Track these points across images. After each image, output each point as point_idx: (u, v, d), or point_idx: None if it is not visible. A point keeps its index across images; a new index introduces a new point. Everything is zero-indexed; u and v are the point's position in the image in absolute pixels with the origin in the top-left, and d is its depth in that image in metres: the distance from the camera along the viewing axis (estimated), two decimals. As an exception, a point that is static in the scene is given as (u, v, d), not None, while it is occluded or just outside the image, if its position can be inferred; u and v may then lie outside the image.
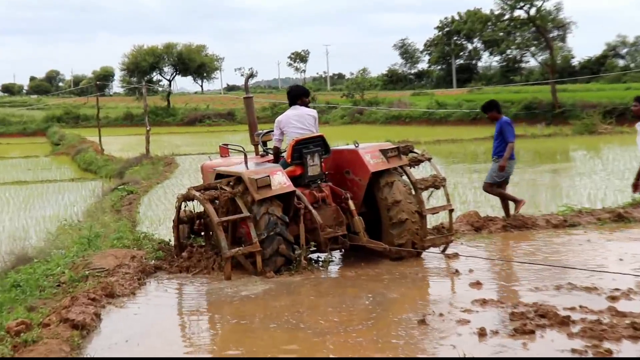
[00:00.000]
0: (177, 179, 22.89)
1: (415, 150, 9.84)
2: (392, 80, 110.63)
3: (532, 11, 43.97)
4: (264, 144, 10.32)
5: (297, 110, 9.52)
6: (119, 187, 20.15)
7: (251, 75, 11.62)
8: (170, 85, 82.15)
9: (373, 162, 9.10)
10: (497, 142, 11.41)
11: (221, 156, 10.79)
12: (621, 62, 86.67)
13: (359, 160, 9.15)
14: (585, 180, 17.36)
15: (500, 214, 12.03)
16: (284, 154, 9.40)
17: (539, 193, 15.47)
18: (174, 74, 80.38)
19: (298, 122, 9.38)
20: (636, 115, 10.05)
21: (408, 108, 51.98)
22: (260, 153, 10.38)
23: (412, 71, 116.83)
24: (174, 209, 9.90)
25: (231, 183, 8.86)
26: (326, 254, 9.13)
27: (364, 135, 38.16)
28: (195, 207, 9.85)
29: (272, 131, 9.84)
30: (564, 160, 23.79)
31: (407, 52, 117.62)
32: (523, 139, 32.07)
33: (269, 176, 8.56)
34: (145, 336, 6.58)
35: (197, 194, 8.78)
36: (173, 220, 9.74)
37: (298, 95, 9.64)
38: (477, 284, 7.78)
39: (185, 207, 9.58)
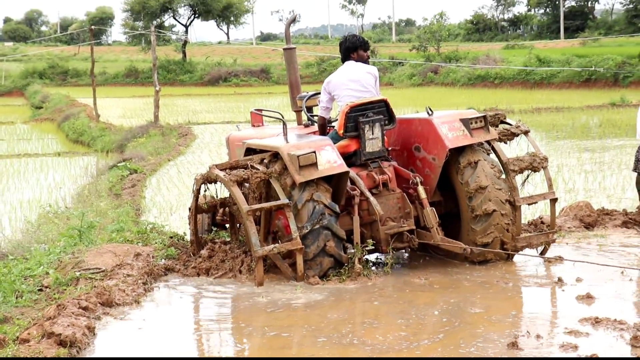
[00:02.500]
0: (194, 154, 23.15)
1: (508, 120, 9.80)
2: (479, 28, 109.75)
3: None
4: (309, 110, 10.37)
5: (353, 68, 9.55)
6: (119, 165, 20.44)
7: (294, 20, 11.68)
8: (186, 32, 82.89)
9: (451, 135, 9.11)
10: None
11: (252, 125, 10.89)
12: None
13: (433, 133, 9.17)
14: None
15: (621, 205, 11.93)
16: (335, 124, 9.45)
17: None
18: (192, 17, 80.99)
19: (353, 82, 9.41)
20: None
21: (499, 65, 51.51)
22: (303, 122, 10.45)
23: (506, 17, 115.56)
24: (190, 194, 10.05)
25: (265, 161, 8.95)
26: (388, 254, 9.19)
27: (440, 101, 38.09)
28: (219, 191, 9.98)
29: (319, 94, 9.89)
30: None
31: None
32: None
33: (314, 152, 8.62)
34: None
35: (221, 174, 8.88)
36: (190, 209, 9.88)
37: (354, 47, 9.67)
38: (587, 298, 7.76)
39: (205, 191, 9.71)
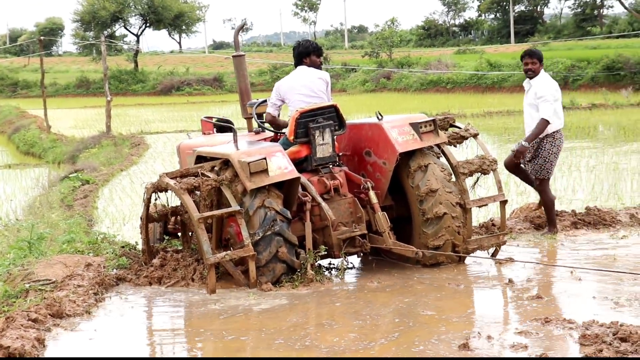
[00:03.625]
0: (147, 164, 23.02)
1: (458, 124, 9.88)
2: (430, 34, 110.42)
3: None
4: (260, 117, 10.38)
5: (304, 73, 9.59)
6: (71, 176, 20.27)
7: (243, 27, 11.68)
8: (138, 41, 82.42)
9: (401, 139, 9.16)
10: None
11: (203, 133, 10.87)
12: None
13: (383, 138, 9.22)
14: (686, 162, 17.38)
15: (571, 207, 12.08)
16: (286, 130, 9.47)
17: (622, 180, 15.46)
18: (143, 26, 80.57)
19: (304, 87, 9.45)
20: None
21: (450, 70, 51.89)
22: (254, 129, 10.45)
23: (457, 22, 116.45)
24: (142, 204, 10.00)
25: (216, 168, 8.94)
26: (340, 259, 9.21)
27: (393, 107, 38.22)
28: (170, 200, 9.95)
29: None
30: (658, 136, 23.71)
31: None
32: (603, 109, 32.08)
33: (265, 159, 8.62)
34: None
35: (172, 182, 8.85)
36: (141, 218, 9.83)
37: (307, 52, 9.72)
38: (537, 298, 7.84)
39: (156, 200, 9.67)
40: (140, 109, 50.74)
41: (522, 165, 10.86)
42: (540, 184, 10.83)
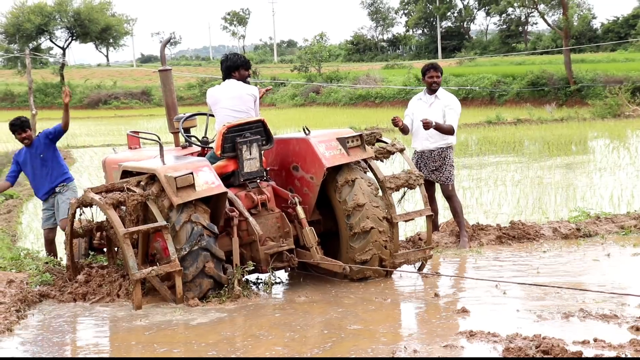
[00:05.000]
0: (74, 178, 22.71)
1: (385, 139, 9.95)
2: (359, 49, 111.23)
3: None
4: (186, 131, 10.32)
5: (233, 86, 9.58)
6: (-5, 191, 19.91)
7: (169, 41, 11.63)
8: (64, 54, 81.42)
9: (328, 154, 9.19)
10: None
11: (129, 148, 10.78)
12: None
13: (311, 152, 9.24)
14: (607, 177, 17.69)
15: (496, 220, 12.25)
16: (212, 145, 9.44)
17: (546, 194, 15.73)
18: (70, 39, 79.68)
19: (232, 100, 9.43)
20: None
21: (379, 85, 52.30)
22: (181, 144, 10.39)
23: (385, 37, 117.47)
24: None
25: (142, 183, 8.87)
26: (268, 274, 9.20)
27: (322, 121, 38.39)
28: (95, 215, 9.84)
29: (196, 115, 9.90)
30: (580, 151, 24.17)
31: (378, 12, 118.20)
32: (528, 124, 32.61)
33: (192, 173, 8.58)
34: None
35: (97, 197, 8.76)
36: (65, 233, 9.71)
37: (235, 66, 9.70)
38: (462, 312, 7.90)
39: (81, 215, 9.56)
40: (67, 122, 50.01)
41: (425, 176, 11.00)
42: (452, 189, 11.11)
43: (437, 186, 11.40)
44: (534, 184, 17.11)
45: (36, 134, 11.73)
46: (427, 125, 10.67)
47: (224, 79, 9.69)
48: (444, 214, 13.30)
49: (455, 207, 11.18)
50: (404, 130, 11.26)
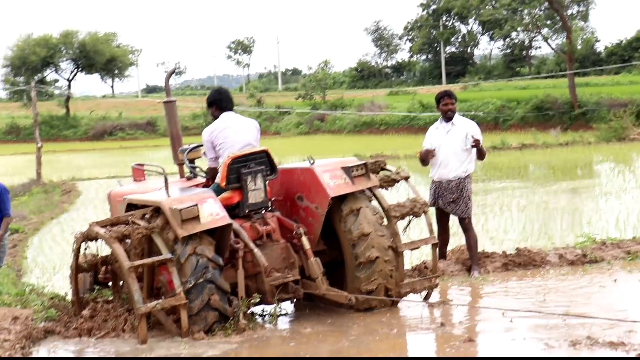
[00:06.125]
0: (78, 211, 22.80)
1: (389, 167, 9.95)
2: (363, 75, 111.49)
3: (544, -19, 44.66)
4: (191, 162, 10.33)
5: (234, 118, 9.61)
6: (0, 225, 19.95)
7: (174, 72, 11.68)
8: (69, 86, 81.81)
9: (333, 183, 9.18)
10: None
11: (134, 180, 10.79)
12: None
13: (315, 182, 9.23)
14: (613, 201, 17.70)
15: (502, 247, 12.24)
16: (217, 176, 9.44)
17: (552, 220, 15.73)
18: (75, 71, 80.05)
19: (235, 133, 9.44)
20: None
21: (383, 112, 52.40)
22: (186, 175, 10.40)
23: (389, 63, 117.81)
24: (72, 253, 9.86)
25: (147, 216, 8.85)
26: (273, 306, 9.16)
27: (327, 149, 38.48)
28: (100, 249, 9.83)
29: (201, 146, 9.88)
30: (586, 175, 24.20)
31: (382, 39, 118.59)
32: (533, 148, 32.61)
33: (197, 205, 8.57)
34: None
35: (102, 231, 8.76)
36: (70, 268, 9.69)
37: (230, 100, 9.78)
38: (469, 341, 7.87)
39: (86, 249, 9.54)
40: (72, 154, 50.33)
41: (443, 207, 11.07)
42: (468, 222, 11.04)
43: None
44: (540, 209, 17.12)
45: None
46: (477, 143, 10.80)
47: (219, 112, 9.70)
48: (452, 241, 13.30)
49: (470, 241, 11.13)
50: (425, 162, 11.38)
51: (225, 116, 9.66)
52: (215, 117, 9.75)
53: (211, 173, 9.67)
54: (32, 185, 29.64)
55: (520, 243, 12.92)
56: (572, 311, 8.69)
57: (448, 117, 11.15)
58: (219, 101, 9.75)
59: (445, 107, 11.16)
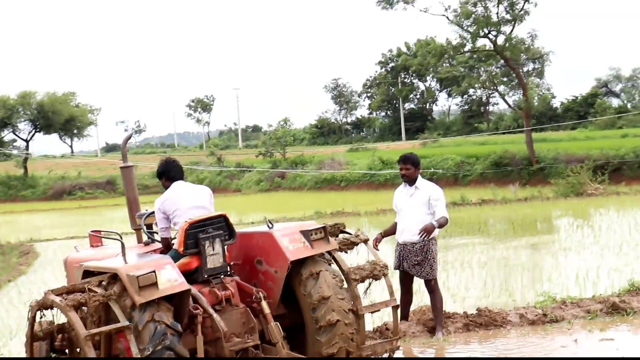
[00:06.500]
0: (36, 273, 22.50)
1: (348, 229, 9.94)
2: (323, 132, 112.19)
3: (500, 40, 45.35)
4: (149, 227, 10.26)
5: (185, 186, 9.61)
6: (-45, 289, 19.66)
7: (130, 137, 11.65)
8: (27, 147, 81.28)
9: (292, 247, 9.13)
10: None
11: (91, 246, 10.67)
12: (615, 102, 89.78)
13: (274, 246, 9.18)
14: (572, 257, 17.78)
15: (464, 304, 12.22)
16: (175, 242, 9.37)
17: (513, 276, 15.76)
18: (33, 131, 79.65)
19: (189, 199, 9.41)
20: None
21: (343, 169, 52.57)
22: (144, 241, 10.31)
23: (349, 120, 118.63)
24: (27, 322, 9.68)
25: (104, 283, 8.72)
26: (234, 372, 9.04)
27: (288, 205, 38.42)
28: (57, 316, 9.66)
29: (158, 212, 9.84)
30: (545, 231, 24.34)
31: (341, 96, 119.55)
32: (492, 204, 32.79)
33: (154, 272, 8.44)
34: None
35: (57, 299, 8.58)
36: (26, 336, 9.50)
37: (180, 169, 9.82)
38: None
39: (42, 317, 9.37)
40: (30, 215, 49.81)
41: (407, 269, 11.04)
42: (434, 284, 11.04)
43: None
44: (500, 266, 17.15)
45: None
46: (428, 232, 10.77)
47: (170, 182, 9.68)
48: (414, 301, 13.27)
49: (435, 302, 11.14)
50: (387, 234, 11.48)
51: (176, 185, 9.64)
52: (167, 188, 9.72)
53: (164, 243, 9.62)
54: (-11, 247, 29.28)
55: (481, 300, 12.91)
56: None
57: (406, 182, 11.27)
58: (168, 172, 9.75)
59: (401, 172, 11.33)
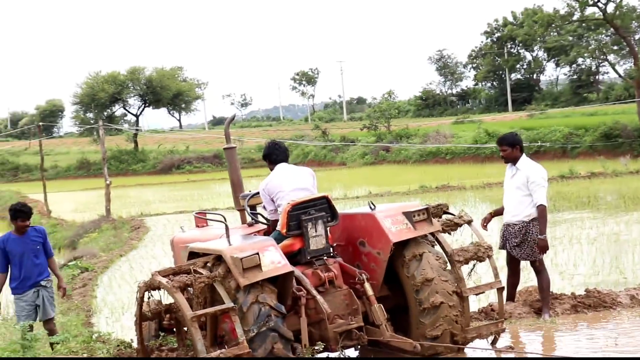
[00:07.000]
0: (147, 248, 22.96)
1: (451, 210, 9.82)
2: (428, 104, 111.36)
3: (610, 7, 44.12)
4: (252, 208, 10.33)
5: (288, 168, 9.63)
6: (70, 263, 20.20)
7: (233, 119, 11.73)
8: (137, 121, 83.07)
9: (395, 229, 9.08)
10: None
11: (197, 226, 10.80)
12: None
13: (377, 228, 9.14)
14: (687, 232, 17.31)
15: (573, 282, 11.99)
16: (278, 224, 9.40)
17: (624, 252, 15.37)
18: (143, 106, 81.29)
19: (292, 180, 9.43)
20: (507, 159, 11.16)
21: (448, 142, 52.08)
22: (248, 222, 10.38)
23: (454, 91, 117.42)
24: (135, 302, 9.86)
25: (209, 264, 8.82)
26: (337, 352, 9.04)
27: (393, 179, 38.31)
28: (164, 296, 9.81)
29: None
30: (657, 205, 23.65)
31: (446, 67, 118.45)
32: (601, 177, 32.06)
33: (257, 254, 8.50)
34: None
35: (164, 281, 8.70)
36: (135, 316, 9.69)
37: (284, 151, 9.81)
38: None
39: (149, 297, 9.53)
40: (141, 189, 50.90)
41: (509, 250, 10.89)
42: (540, 264, 10.83)
43: None
44: (611, 242, 16.77)
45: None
46: (542, 249, 10.71)
47: (274, 164, 9.72)
48: (521, 281, 13.08)
49: (542, 283, 10.96)
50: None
51: (279, 167, 9.67)
52: (271, 170, 9.76)
53: (273, 225, 9.65)
54: (102, 221, 30.01)
55: (590, 278, 12.65)
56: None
57: (506, 162, 11.17)
58: (270, 155, 9.79)
59: (500, 153, 11.24)
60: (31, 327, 10.60)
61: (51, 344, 10.78)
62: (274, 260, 8.59)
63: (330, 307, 8.87)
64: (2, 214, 38.90)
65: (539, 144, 45.33)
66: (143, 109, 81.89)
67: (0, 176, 67.78)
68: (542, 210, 10.69)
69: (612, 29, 46.70)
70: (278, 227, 9.29)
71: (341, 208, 9.82)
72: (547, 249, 10.79)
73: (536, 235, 10.79)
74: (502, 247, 11.13)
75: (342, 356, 9.07)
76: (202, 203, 34.47)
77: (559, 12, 47.26)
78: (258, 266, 8.46)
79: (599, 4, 44.04)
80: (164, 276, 8.81)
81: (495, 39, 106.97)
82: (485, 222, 11.24)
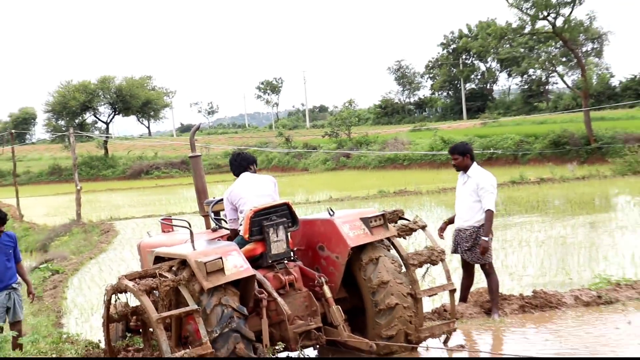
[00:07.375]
0: (116, 251, 22.84)
1: (406, 216, 9.89)
2: (387, 112, 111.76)
3: (559, 21, 44.52)
4: (216, 214, 10.33)
5: (251, 177, 9.64)
6: (42, 266, 20.05)
7: (198, 128, 11.72)
8: (107, 129, 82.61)
9: (353, 234, 9.13)
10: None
11: (163, 232, 10.78)
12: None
13: (335, 233, 9.18)
14: (629, 235, 17.48)
15: (522, 283, 12.07)
16: (240, 229, 9.41)
17: (569, 255, 15.53)
18: (113, 114, 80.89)
19: (254, 189, 9.44)
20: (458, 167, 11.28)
21: (406, 149, 52.33)
22: (212, 227, 10.38)
23: (412, 100, 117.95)
24: (103, 305, 9.82)
25: (174, 268, 8.81)
26: (297, 352, 9.06)
27: (353, 184, 38.41)
28: (132, 298, 9.78)
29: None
30: (602, 209, 23.91)
31: (404, 77, 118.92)
32: (550, 183, 32.34)
33: (221, 258, 8.51)
34: None
35: (130, 284, 8.70)
36: (102, 317, 9.65)
37: (247, 162, 9.83)
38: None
39: (116, 300, 9.50)
40: (111, 194, 50.59)
41: (461, 254, 11.00)
42: (489, 267, 10.92)
43: None
44: (558, 244, 16.93)
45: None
46: (484, 250, 10.72)
47: (237, 174, 9.74)
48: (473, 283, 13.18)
49: (491, 285, 11.04)
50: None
51: (243, 176, 9.69)
52: (236, 177, 9.78)
53: (232, 234, 9.67)
54: (73, 225, 29.79)
55: (538, 279, 12.74)
56: (587, 354, 8.56)
57: (457, 170, 11.29)
58: (234, 165, 9.80)
59: (452, 162, 11.38)
60: (1, 329, 10.54)
61: (20, 345, 10.69)
62: (236, 264, 8.60)
63: (290, 309, 8.90)
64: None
65: (492, 151, 45.66)
66: (113, 117, 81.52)
67: (-27, 182, 67.20)
68: (489, 214, 10.80)
69: (561, 42, 47.01)
70: (241, 233, 9.31)
71: (303, 212, 9.86)
72: (488, 250, 10.80)
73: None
74: (455, 251, 11.20)
75: (301, 356, 9.10)
76: (169, 207, 34.35)
77: (511, 25, 47.57)
78: (221, 270, 8.48)
79: (549, 17, 44.39)
80: (130, 280, 8.80)
81: (451, 50, 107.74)
82: (441, 230, 11.37)
